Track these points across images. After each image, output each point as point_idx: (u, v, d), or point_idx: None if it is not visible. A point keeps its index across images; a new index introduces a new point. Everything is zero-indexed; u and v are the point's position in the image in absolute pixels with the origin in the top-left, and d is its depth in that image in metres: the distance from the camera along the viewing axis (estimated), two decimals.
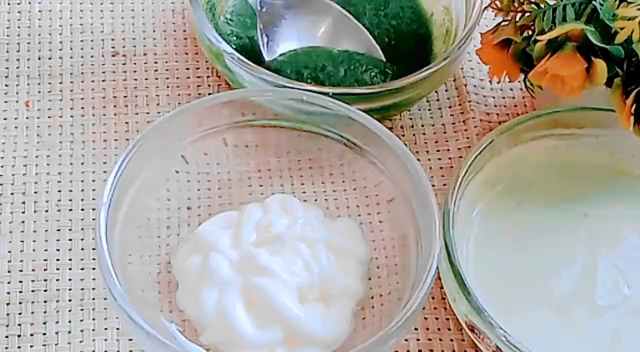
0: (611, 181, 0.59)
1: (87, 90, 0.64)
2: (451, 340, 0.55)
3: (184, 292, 0.54)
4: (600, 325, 0.53)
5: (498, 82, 0.61)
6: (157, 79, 0.64)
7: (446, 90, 0.66)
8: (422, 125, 0.64)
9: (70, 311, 0.54)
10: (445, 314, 0.56)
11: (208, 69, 0.65)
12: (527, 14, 0.56)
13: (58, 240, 0.57)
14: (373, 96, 0.58)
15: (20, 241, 0.57)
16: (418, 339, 0.55)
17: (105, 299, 0.55)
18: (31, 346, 0.53)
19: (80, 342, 0.53)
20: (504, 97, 0.66)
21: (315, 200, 0.58)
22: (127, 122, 0.62)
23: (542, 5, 0.55)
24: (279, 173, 0.59)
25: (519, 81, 0.58)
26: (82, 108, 0.63)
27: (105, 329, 0.54)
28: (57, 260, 0.56)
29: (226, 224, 0.56)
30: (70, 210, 0.58)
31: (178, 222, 0.56)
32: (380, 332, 0.48)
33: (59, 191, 0.59)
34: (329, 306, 0.53)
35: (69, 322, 0.54)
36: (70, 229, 0.58)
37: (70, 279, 0.56)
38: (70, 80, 0.64)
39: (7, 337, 0.53)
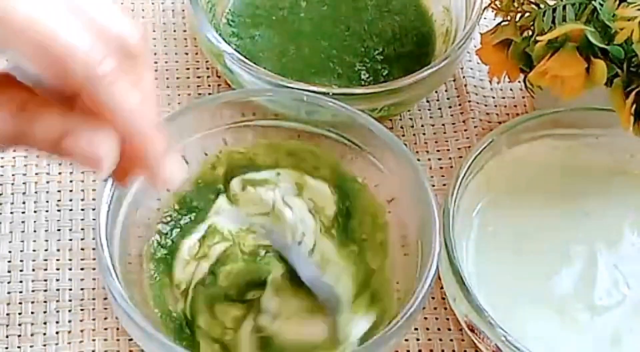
0: (611, 181, 0.59)
1: None
2: (451, 340, 0.55)
3: None
4: (600, 325, 0.53)
5: (498, 82, 0.60)
6: (157, 79, 0.64)
7: (446, 91, 0.66)
8: (422, 126, 0.64)
9: (70, 311, 0.54)
10: (445, 314, 0.56)
11: (208, 69, 0.65)
12: (527, 14, 0.56)
13: (58, 240, 0.57)
14: (373, 96, 0.58)
15: (20, 241, 0.57)
16: (418, 339, 0.55)
17: (105, 299, 0.55)
18: (31, 346, 0.53)
19: (80, 342, 0.53)
20: (504, 97, 0.66)
21: None
22: None
23: (542, 6, 0.55)
24: None
25: (519, 81, 0.58)
26: None
27: (105, 329, 0.54)
28: (57, 260, 0.56)
29: None
30: (71, 210, 0.58)
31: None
32: (381, 332, 0.48)
33: (59, 191, 0.59)
34: None
35: (69, 322, 0.54)
36: (70, 229, 0.58)
37: (70, 279, 0.56)
38: None
39: (7, 337, 0.53)
